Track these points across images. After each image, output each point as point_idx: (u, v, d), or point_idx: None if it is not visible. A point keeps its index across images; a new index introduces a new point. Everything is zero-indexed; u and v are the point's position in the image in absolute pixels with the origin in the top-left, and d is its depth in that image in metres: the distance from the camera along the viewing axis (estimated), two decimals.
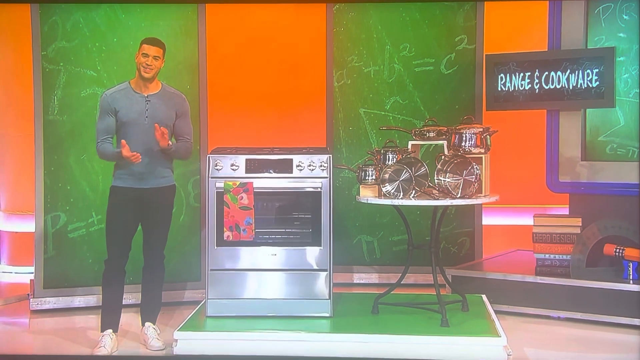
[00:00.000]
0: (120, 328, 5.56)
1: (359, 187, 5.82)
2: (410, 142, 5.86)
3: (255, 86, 7.92)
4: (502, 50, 6.95)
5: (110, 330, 5.46)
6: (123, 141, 5.32)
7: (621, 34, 6.39)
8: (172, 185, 5.63)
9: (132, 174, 5.45)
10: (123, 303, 5.60)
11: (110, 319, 5.50)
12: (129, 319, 5.89)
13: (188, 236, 6.79)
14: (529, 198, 7.76)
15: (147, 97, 5.48)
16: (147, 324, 5.59)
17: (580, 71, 6.38)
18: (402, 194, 5.55)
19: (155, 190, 5.51)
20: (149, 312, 5.63)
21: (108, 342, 5.41)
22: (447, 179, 5.54)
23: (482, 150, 5.73)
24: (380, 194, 5.67)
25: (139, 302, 5.75)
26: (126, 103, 5.44)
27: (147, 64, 5.41)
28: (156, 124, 5.33)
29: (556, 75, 6.49)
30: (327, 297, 5.69)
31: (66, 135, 6.59)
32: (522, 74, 6.62)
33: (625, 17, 6.37)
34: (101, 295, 5.65)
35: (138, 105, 5.45)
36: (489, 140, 5.78)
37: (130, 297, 6.18)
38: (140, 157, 5.34)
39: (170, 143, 5.41)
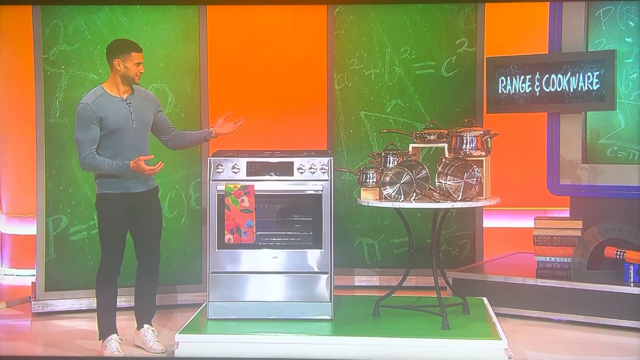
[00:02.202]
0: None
1: (359, 189, 5.82)
2: (411, 145, 5.86)
3: (256, 89, 7.92)
4: (503, 53, 6.96)
5: (114, 335, 5.44)
6: (147, 159, 5.24)
7: (622, 37, 6.39)
8: (157, 186, 5.61)
9: (125, 179, 5.36)
10: (124, 306, 5.57)
11: (110, 323, 5.46)
12: (129, 321, 5.88)
13: (189, 239, 6.78)
14: (529, 201, 7.76)
15: (126, 99, 5.40)
16: (146, 326, 5.57)
17: (581, 74, 6.38)
18: (403, 196, 5.55)
19: (147, 194, 5.48)
20: (147, 314, 5.62)
21: (117, 346, 5.40)
22: (448, 182, 5.54)
23: (483, 153, 5.73)
24: (381, 197, 5.67)
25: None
26: (111, 109, 5.32)
27: (140, 72, 5.39)
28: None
29: (557, 78, 6.49)
30: (328, 300, 5.69)
31: (68, 138, 6.58)
32: (522, 77, 6.62)
33: (625, 19, 6.38)
34: (97, 302, 5.52)
35: (122, 109, 5.36)
36: (489, 143, 5.78)
37: (131, 299, 6.17)
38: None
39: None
